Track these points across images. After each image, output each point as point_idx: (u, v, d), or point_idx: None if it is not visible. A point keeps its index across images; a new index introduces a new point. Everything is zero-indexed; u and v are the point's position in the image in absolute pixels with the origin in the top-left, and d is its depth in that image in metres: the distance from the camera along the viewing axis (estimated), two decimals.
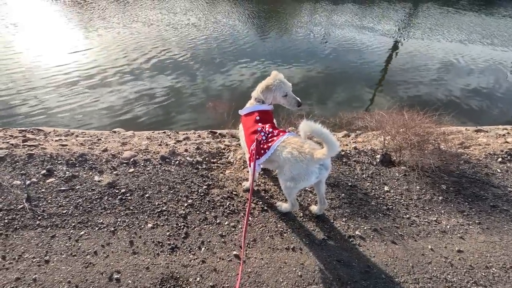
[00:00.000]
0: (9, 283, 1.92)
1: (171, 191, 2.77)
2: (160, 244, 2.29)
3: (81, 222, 2.37)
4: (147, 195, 2.68)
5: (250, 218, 2.60)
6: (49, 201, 2.50)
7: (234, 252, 2.28)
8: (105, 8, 9.85)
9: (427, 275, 2.27)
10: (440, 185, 3.17)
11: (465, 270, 2.34)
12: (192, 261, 2.20)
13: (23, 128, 3.90)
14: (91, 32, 7.90)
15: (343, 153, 3.55)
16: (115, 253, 2.19)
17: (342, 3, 13.94)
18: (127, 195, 2.66)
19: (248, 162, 2.64)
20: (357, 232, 2.57)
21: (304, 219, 2.65)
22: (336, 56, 8.07)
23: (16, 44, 6.87)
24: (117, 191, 2.67)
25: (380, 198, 2.97)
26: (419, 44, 9.52)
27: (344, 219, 2.69)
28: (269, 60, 7.30)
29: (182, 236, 2.37)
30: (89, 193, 2.62)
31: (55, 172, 2.77)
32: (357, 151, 3.63)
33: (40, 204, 2.46)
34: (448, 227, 2.71)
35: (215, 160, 3.31)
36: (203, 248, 2.30)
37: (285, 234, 2.48)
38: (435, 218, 2.79)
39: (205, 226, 2.49)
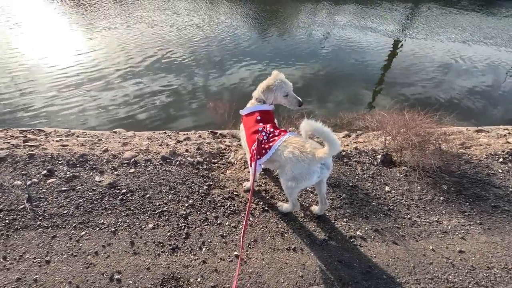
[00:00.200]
0: (10, 284, 1.92)
1: (172, 192, 2.76)
2: (161, 244, 2.29)
3: (82, 223, 2.37)
4: (147, 196, 2.68)
5: (251, 219, 2.60)
6: (50, 201, 2.50)
7: (235, 253, 2.28)
8: (108, 9, 9.85)
9: (428, 276, 2.26)
10: (441, 185, 3.17)
11: (466, 271, 2.33)
12: (193, 261, 2.20)
13: (24, 129, 3.90)
14: (94, 33, 7.90)
15: (344, 153, 3.55)
16: (116, 253, 2.19)
17: (343, 3, 13.93)
18: (128, 195, 2.66)
19: (249, 162, 2.64)
20: (358, 233, 2.56)
21: (305, 220, 2.64)
22: (337, 56, 8.07)
23: (19, 45, 6.88)
24: (117, 192, 2.67)
25: (381, 199, 2.97)
26: (420, 44, 9.51)
27: (345, 220, 2.68)
28: (270, 60, 7.30)
29: (183, 237, 2.37)
30: (90, 193, 2.62)
31: (56, 173, 2.77)
32: (358, 151, 3.63)
33: (41, 205, 2.46)
34: (449, 227, 2.70)
35: (215, 160, 3.30)
36: (204, 249, 2.30)
37: (286, 235, 2.48)
38: (436, 219, 2.78)
39: (206, 226, 2.49)
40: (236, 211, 2.66)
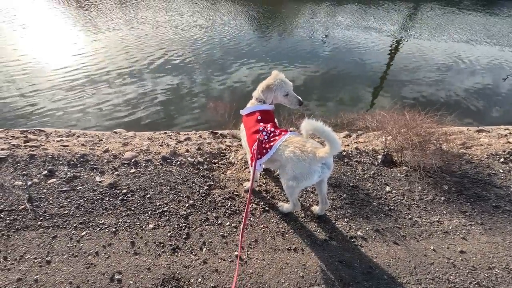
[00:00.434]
0: (10, 284, 1.92)
1: (173, 192, 2.76)
2: (162, 244, 2.29)
3: (82, 223, 2.37)
4: (148, 196, 2.68)
5: (251, 219, 2.60)
6: (51, 201, 2.50)
7: (236, 253, 2.28)
8: (112, 10, 9.86)
9: (429, 276, 2.26)
10: (442, 185, 3.16)
11: (467, 271, 2.32)
12: (193, 261, 2.20)
13: (24, 129, 3.91)
14: (98, 34, 7.89)
15: (344, 153, 3.54)
16: (116, 253, 2.18)
17: (345, 3, 13.92)
18: (129, 195, 2.66)
19: (249, 162, 2.64)
20: (359, 233, 2.56)
21: (305, 220, 2.64)
22: (338, 56, 8.06)
23: (22, 46, 6.86)
24: (118, 192, 2.67)
25: (382, 199, 2.97)
26: (420, 44, 9.51)
27: (346, 220, 2.68)
28: (271, 60, 7.30)
29: (184, 237, 2.37)
30: (91, 193, 2.62)
31: (56, 173, 2.77)
32: (358, 151, 3.62)
33: (42, 205, 2.46)
34: (450, 227, 2.70)
35: (216, 160, 3.30)
36: (204, 249, 2.30)
37: (286, 235, 2.48)
38: (437, 219, 2.78)
39: (207, 226, 2.48)
40: (237, 211, 2.66)
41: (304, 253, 2.34)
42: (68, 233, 2.28)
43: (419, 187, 3.13)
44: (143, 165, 3.03)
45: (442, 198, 3.01)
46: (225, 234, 2.43)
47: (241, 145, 3.50)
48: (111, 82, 5.78)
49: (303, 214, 2.69)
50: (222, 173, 3.11)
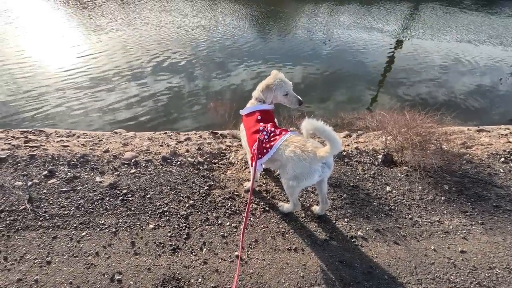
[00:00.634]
0: (11, 284, 1.92)
1: (173, 192, 2.76)
2: (162, 245, 2.28)
3: (82, 223, 2.37)
4: (148, 196, 2.68)
5: (252, 219, 2.59)
6: (51, 202, 2.50)
7: (236, 253, 2.27)
8: (115, 11, 9.85)
9: (430, 276, 2.25)
10: (442, 185, 3.16)
11: (468, 271, 2.32)
12: (193, 262, 2.19)
13: (25, 129, 3.91)
14: (101, 35, 7.89)
15: (344, 153, 3.54)
16: (116, 254, 2.18)
17: (346, 3, 13.91)
18: (129, 196, 2.66)
19: (250, 162, 2.64)
20: (359, 233, 2.56)
21: (306, 220, 2.64)
22: (338, 56, 8.06)
23: (24, 46, 6.86)
24: (118, 192, 2.67)
25: (382, 199, 2.96)
26: (421, 44, 9.49)
27: (346, 220, 2.68)
28: (271, 61, 7.30)
29: (184, 237, 2.37)
30: (91, 194, 2.62)
31: (56, 173, 2.77)
32: (358, 151, 3.62)
33: (42, 205, 2.46)
34: (451, 227, 2.70)
35: (216, 160, 3.30)
36: (204, 249, 2.29)
37: (287, 235, 2.48)
38: (437, 219, 2.78)
39: (207, 226, 2.48)
40: (237, 211, 2.66)
41: (305, 253, 2.34)
42: (68, 234, 2.28)
43: (420, 187, 3.13)
44: (143, 165, 3.03)
45: (443, 198, 3.00)
46: (225, 234, 2.43)
47: (241, 145, 3.50)
48: (112, 82, 5.78)
49: (303, 214, 2.69)
50: (222, 173, 3.11)
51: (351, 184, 3.09)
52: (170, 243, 2.30)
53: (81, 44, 7.23)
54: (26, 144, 3.17)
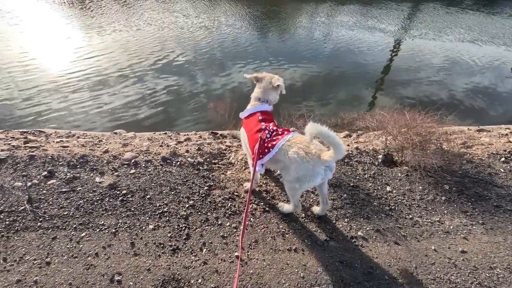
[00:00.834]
0: (10, 285, 1.92)
1: (172, 192, 2.76)
2: (162, 245, 2.28)
3: (82, 224, 2.36)
4: (148, 196, 2.68)
5: (251, 219, 2.59)
6: (50, 202, 2.50)
7: (236, 253, 2.27)
8: (118, 12, 9.83)
9: (430, 276, 2.25)
10: (442, 185, 3.15)
11: (469, 271, 2.31)
12: (193, 262, 2.19)
13: (24, 130, 3.91)
14: (104, 35, 7.86)
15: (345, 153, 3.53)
16: (116, 254, 2.18)
17: (348, 3, 13.89)
18: (128, 196, 2.65)
19: (250, 163, 2.63)
20: (359, 233, 2.55)
21: (306, 220, 2.63)
22: (338, 56, 8.06)
23: (25, 47, 6.83)
24: (118, 192, 2.67)
25: (383, 199, 2.96)
26: (421, 44, 9.49)
27: (346, 220, 2.67)
28: (272, 61, 7.29)
29: (184, 237, 2.36)
30: (90, 194, 2.62)
31: (56, 174, 2.77)
32: (358, 151, 3.61)
33: (41, 206, 2.46)
34: (451, 227, 2.69)
35: (216, 161, 3.29)
36: (204, 250, 2.29)
37: (287, 235, 2.47)
38: (438, 219, 2.77)
39: (207, 227, 2.48)
40: (237, 211, 2.65)
41: (305, 253, 2.33)
42: (67, 234, 2.28)
43: (420, 187, 3.12)
44: (143, 165, 3.03)
45: (443, 198, 3.00)
46: (225, 235, 2.42)
47: (241, 145, 3.50)
48: (114, 82, 5.78)
49: (303, 214, 2.68)
50: (222, 173, 3.11)
51: (351, 184, 3.08)
52: (170, 244, 2.29)
53: (83, 45, 7.20)
54: (26, 145, 3.16)
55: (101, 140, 3.61)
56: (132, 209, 2.54)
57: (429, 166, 3.21)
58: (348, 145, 3.85)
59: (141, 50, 7.21)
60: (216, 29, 9.08)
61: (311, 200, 2.85)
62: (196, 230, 2.44)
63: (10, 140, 3.30)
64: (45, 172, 2.75)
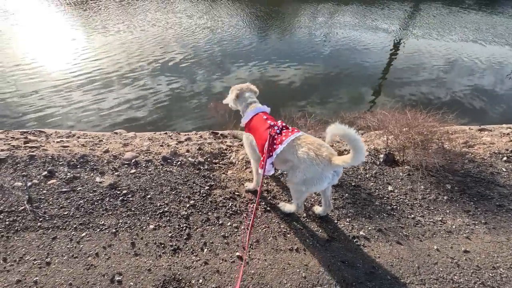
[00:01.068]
0: (10, 286, 1.91)
1: (173, 192, 2.74)
2: (162, 245, 2.27)
3: (82, 224, 2.35)
4: (148, 196, 2.66)
5: None
6: (50, 202, 2.49)
7: (237, 253, 2.25)
8: (121, 13, 9.82)
9: (433, 276, 2.23)
10: (444, 184, 3.13)
11: (472, 271, 2.30)
12: (194, 262, 2.17)
13: (24, 130, 3.90)
14: (108, 36, 7.85)
15: (345, 151, 3.52)
16: (116, 254, 2.16)
17: (350, 3, 13.87)
18: (129, 196, 2.64)
19: (256, 167, 2.62)
20: (361, 233, 2.53)
21: (307, 220, 2.61)
22: (338, 56, 8.04)
23: (28, 48, 6.84)
24: (118, 192, 2.65)
25: (384, 198, 2.94)
26: (422, 43, 9.47)
27: (348, 220, 2.65)
28: (272, 61, 7.27)
29: (184, 237, 2.35)
30: (91, 194, 2.60)
31: (56, 174, 2.76)
32: None
33: (41, 206, 2.45)
34: (453, 227, 2.67)
35: (217, 160, 3.28)
36: (205, 249, 2.27)
37: (288, 235, 2.45)
38: (440, 218, 2.75)
39: (208, 227, 2.46)
40: (238, 211, 2.64)
41: (306, 253, 2.32)
42: (68, 234, 2.26)
43: (422, 186, 3.10)
44: (144, 165, 3.01)
45: (445, 197, 2.98)
46: (226, 235, 2.41)
47: (241, 145, 3.48)
48: (116, 83, 5.79)
49: (304, 214, 2.66)
50: (223, 173, 3.09)
51: (353, 184, 3.07)
52: (171, 244, 2.28)
53: (87, 46, 7.20)
54: (26, 145, 3.15)
55: (102, 140, 3.60)
56: (133, 209, 2.52)
57: (431, 165, 3.19)
58: None
59: (145, 51, 7.21)
60: (218, 29, 9.07)
61: (313, 199, 2.83)
62: (197, 230, 2.42)
63: (10, 140, 3.29)
64: (45, 172, 2.74)
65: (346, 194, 2.92)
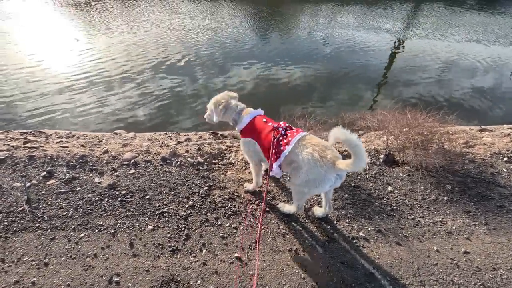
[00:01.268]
0: (7, 286, 1.90)
1: (172, 193, 2.74)
2: (161, 246, 2.26)
3: (81, 224, 2.35)
4: (147, 197, 2.66)
5: (251, 220, 2.57)
6: (49, 203, 2.48)
7: (236, 254, 2.25)
8: (126, 14, 9.82)
9: (433, 277, 2.22)
10: (445, 185, 3.12)
11: (472, 272, 2.28)
12: (193, 263, 2.17)
13: (24, 130, 3.90)
14: (112, 37, 7.87)
15: (346, 153, 3.50)
16: (115, 255, 2.16)
17: (352, 3, 13.85)
18: (128, 196, 2.64)
19: (256, 170, 2.62)
20: (361, 233, 2.52)
21: (306, 221, 2.60)
22: (339, 56, 8.04)
23: (31, 49, 6.85)
24: (117, 193, 2.65)
25: (384, 199, 2.93)
26: (423, 44, 9.45)
27: (347, 220, 2.64)
28: (273, 61, 7.27)
29: (183, 238, 2.34)
30: (89, 194, 2.60)
31: (55, 174, 2.75)
32: None
33: (40, 206, 2.44)
34: (453, 228, 2.66)
35: (216, 161, 3.27)
36: (204, 250, 2.27)
37: (287, 236, 2.45)
38: (440, 219, 2.74)
39: (206, 227, 2.46)
40: (237, 212, 2.63)
41: (305, 254, 2.31)
42: (66, 235, 2.26)
43: (422, 187, 3.09)
44: (143, 165, 3.01)
45: (445, 198, 2.97)
46: (225, 235, 2.40)
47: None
48: (115, 83, 5.80)
49: (304, 215, 2.65)
50: (222, 173, 3.09)
51: (353, 184, 3.05)
52: (169, 244, 2.27)
53: (90, 47, 7.20)
54: (25, 145, 3.15)
55: (101, 141, 3.60)
56: (132, 210, 2.52)
57: (431, 166, 3.18)
58: None
59: (148, 52, 7.22)
60: (221, 30, 9.08)
61: (312, 200, 2.82)
62: (196, 231, 2.42)
63: (9, 141, 3.29)
64: (44, 173, 2.74)
65: (346, 195, 2.91)
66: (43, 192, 2.57)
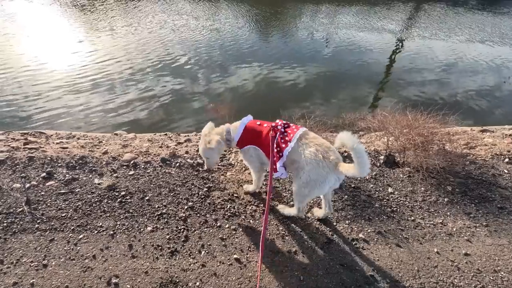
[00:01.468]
0: None
1: (171, 194, 2.74)
2: (160, 247, 2.26)
3: (80, 226, 2.35)
4: (147, 198, 2.66)
5: (251, 221, 2.56)
6: (49, 204, 2.49)
7: (235, 256, 2.24)
8: (129, 14, 9.84)
9: (433, 279, 2.20)
10: (445, 186, 3.10)
11: (472, 274, 2.27)
12: (192, 265, 2.16)
13: (25, 131, 3.91)
14: (116, 38, 7.91)
15: (346, 154, 3.49)
16: (114, 257, 2.16)
17: (354, 3, 13.83)
18: (127, 197, 2.64)
19: (257, 176, 2.61)
20: (360, 235, 2.51)
21: (306, 222, 2.59)
22: (339, 57, 8.03)
23: (33, 50, 6.87)
24: (117, 194, 2.65)
25: (384, 200, 2.91)
26: (423, 44, 9.43)
27: (347, 222, 2.63)
28: (273, 62, 7.27)
29: (182, 240, 2.33)
30: (89, 196, 2.60)
31: (55, 175, 2.76)
32: None
33: (39, 207, 2.45)
34: (454, 229, 2.64)
35: None
36: (203, 252, 2.26)
37: (286, 237, 2.44)
38: (440, 220, 2.72)
39: (206, 229, 2.45)
40: (236, 213, 2.62)
41: (305, 256, 2.30)
42: (65, 236, 2.26)
43: (422, 188, 3.08)
44: (142, 167, 3.01)
45: (446, 199, 2.95)
46: (224, 237, 2.39)
47: None
48: (116, 84, 5.82)
49: (303, 216, 2.64)
50: (222, 174, 3.08)
51: (352, 186, 3.04)
52: (168, 246, 2.27)
53: (93, 49, 7.21)
54: (25, 146, 3.16)
55: (101, 141, 3.61)
56: (131, 211, 2.52)
57: (432, 167, 3.16)
58: None
59: (151, 52, 7.23)
60: (224, 31, 9.10)
61: (312, 202, 2.81)
62: (195, 232, 2.41)
63: (10, 142, 3.30)
64: (44, 174, 2.74)
65: (346, 196, 2.90)
66: (43, 193, 2.57)
